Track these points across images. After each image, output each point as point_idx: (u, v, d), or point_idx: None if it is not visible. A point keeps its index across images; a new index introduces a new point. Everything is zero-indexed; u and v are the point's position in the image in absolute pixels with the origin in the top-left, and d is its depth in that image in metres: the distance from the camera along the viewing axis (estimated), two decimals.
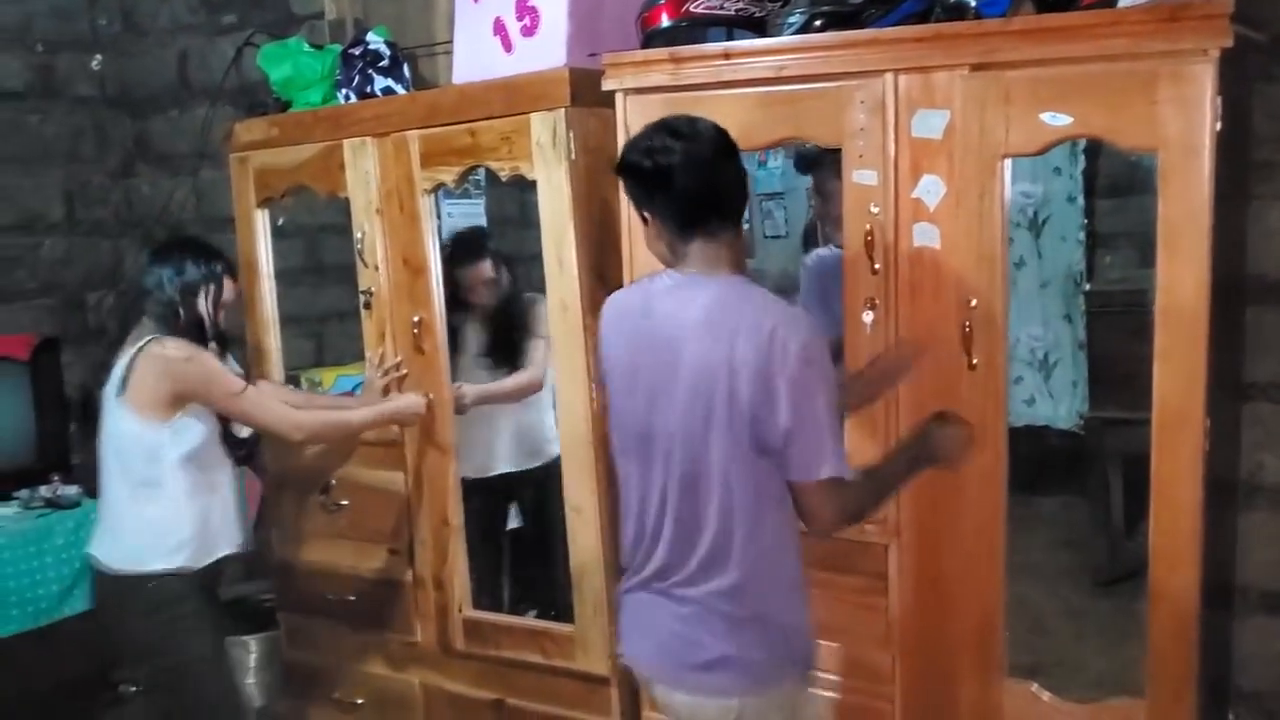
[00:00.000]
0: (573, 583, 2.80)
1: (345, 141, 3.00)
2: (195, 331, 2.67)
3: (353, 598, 3.23)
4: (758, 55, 2.38)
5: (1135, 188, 3.03)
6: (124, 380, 2.60)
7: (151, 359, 2.59)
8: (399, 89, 3.05)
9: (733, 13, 2.51)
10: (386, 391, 3.01)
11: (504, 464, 3.43)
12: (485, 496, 3.42)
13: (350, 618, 3.26)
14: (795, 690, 2.03)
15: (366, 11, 3.41)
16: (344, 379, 3.58)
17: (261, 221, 3.27)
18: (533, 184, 2.69)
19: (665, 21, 2.53)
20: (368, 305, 3.05)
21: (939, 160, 2.22)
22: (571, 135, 2.60)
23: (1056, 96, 2.09)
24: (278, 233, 3.32)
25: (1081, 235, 3.22)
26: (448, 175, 2.86)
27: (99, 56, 4.33)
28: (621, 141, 2.38)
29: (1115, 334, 3.11)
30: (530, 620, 3.06)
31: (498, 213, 4.00)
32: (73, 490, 3.51)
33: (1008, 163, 2.17)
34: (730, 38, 2.49)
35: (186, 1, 4.16)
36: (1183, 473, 2.07)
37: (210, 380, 2.63)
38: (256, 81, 3.46)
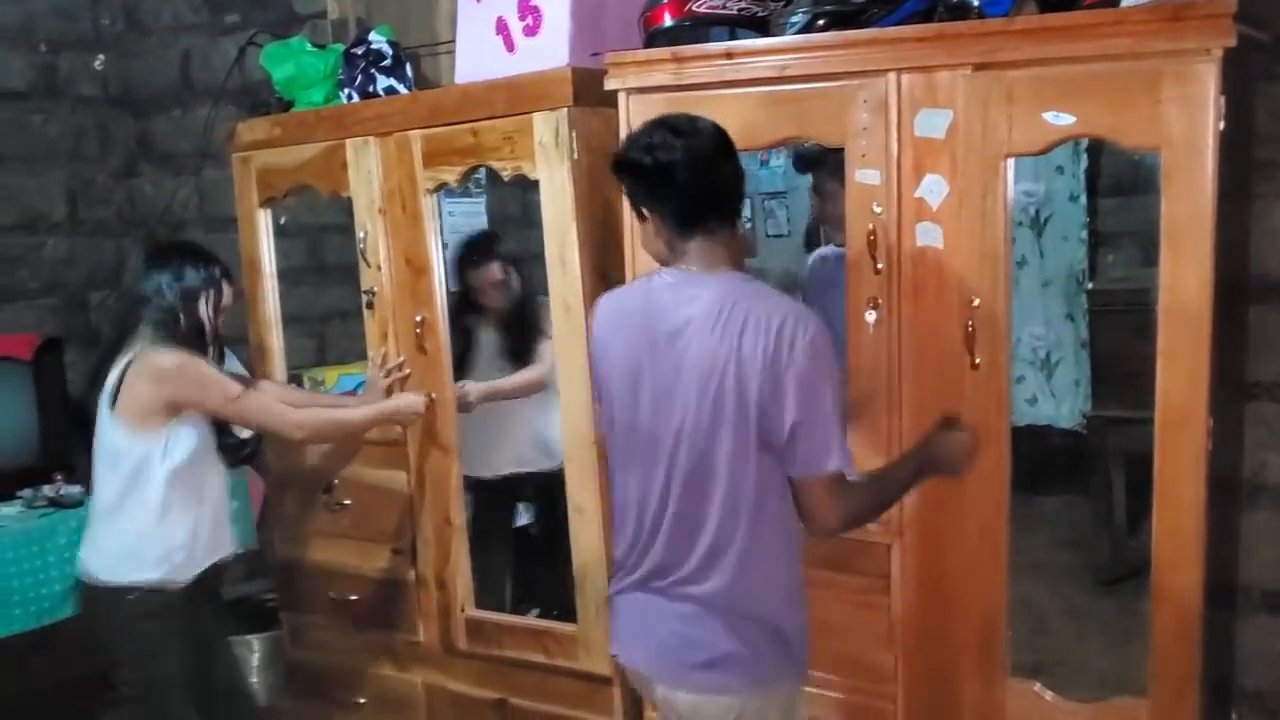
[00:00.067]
0: (575, 583, 2.80)
1: (348, 141, 3.01)
2: (195, 337, 2.66)
3: (355, 597, 3.24)
4: (760, 55, 2.38)
5: (1138, 186, 3.03)
6: (115, 392, 2.59)
7: (144, 370, 2.58)
8: (401, 89, 3.05)
9: (735, 12, 2.51)
10: (389, 391, 3.00)
11: (516, 465, 3.43)
12: (496, 496, 3.43)
13: (353, 617, 3.26)
14: (793, 690, 2.03)
15: (369, 11, 3.41)
16: (346, 378, 3.58)
17: (264, 221, 3.28)
18: (535, 184, 2.69)
19: (668, 21, 2.52)
20: (370, 305, 3.05)
21: (942, 160, 2.22)
22: (574, 135, 2.60)
23: (1059, 96, 2.09)
24: (280, 232, 3.32)
25: (1084, 234, 3.21)
26: (450, 175, 2.87)
27: (102, 56, 4.33)
28: None
29: (1118, 333, 3.11)
30: (533, 620, 3.06)
31: (499, 212, 4.00)
32: (76, 490, 3.50)
33: (1010, 162, 2.17)
34: (733, 37, 2.49)
35: (189, 1, 4.16)
36: (1186, 472, 2.07)
37: (205, 386, 2.62)
38: (259, 81, 3.46)
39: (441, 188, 2.92)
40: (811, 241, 3.24)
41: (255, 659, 3.65)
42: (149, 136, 4.38)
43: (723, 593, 1.93)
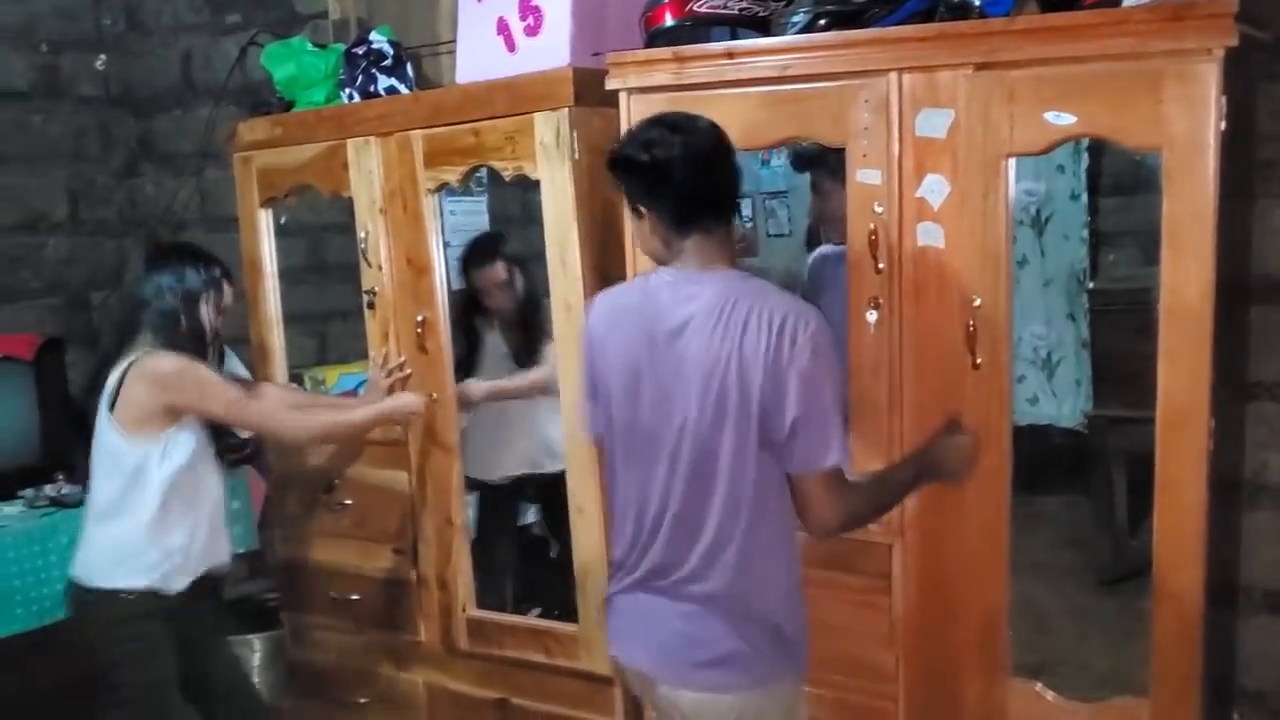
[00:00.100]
0: (576, 583, 2.80)
1: (349, 141, 3.01)
2: (195, 340, 2.65)
3: (356, 597, 3.24)
4: (761, 54, 2.38)
5: (1139, 185, 3.03)
6: (114, 397, 2.59)
7: (143, 374, 2.57)
8: (402, 88, 3.05)
9: (736, 12, 2.51)
10: (391, 391, 3.00)
11: (524, 467, 3.43)
12: (501, 499, 3.44)
13: (354, 617, 3.26)
14: (794, 688, 2.04)
15: (370, 11, 3.41)
16: (347, 377, 3.58)
17: (265, 221, 3.28)
18: (536, 184, 2.69)
19: (669, 21, 2.52)
20: (371, 305, 3.05)
21: (943, 159, 2.21)
22: (575, 135, 2.60)
23: (1061, 96, 2.09)
24: (281, 231, 3.32)
25: (1085, 233, 3.21)
26: (451, 175, 2.87)
27: (103, 56, 4.33)
28: None
29: (1119, 332, 3.11)
30: (534, 620, 3.06)
31: (501, 212, 4.00)
32: (77, 489, 3.49)
33: (1012, 162, 2.17)
34: (734, 37, 2.49)
35: (190, 1, 4.16)
36: (1187, 472, 2.07)
37: (205, 391, 2.60)
38: (260, 81, 3.46)
39: (443, 188, 2.92)
40: (812, 241, 3.24)
41: (256, 659, 3.65)
42: (150, 136, 4.38)
43: (723, 591, 1.93)
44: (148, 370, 2.57)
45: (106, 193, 4.36)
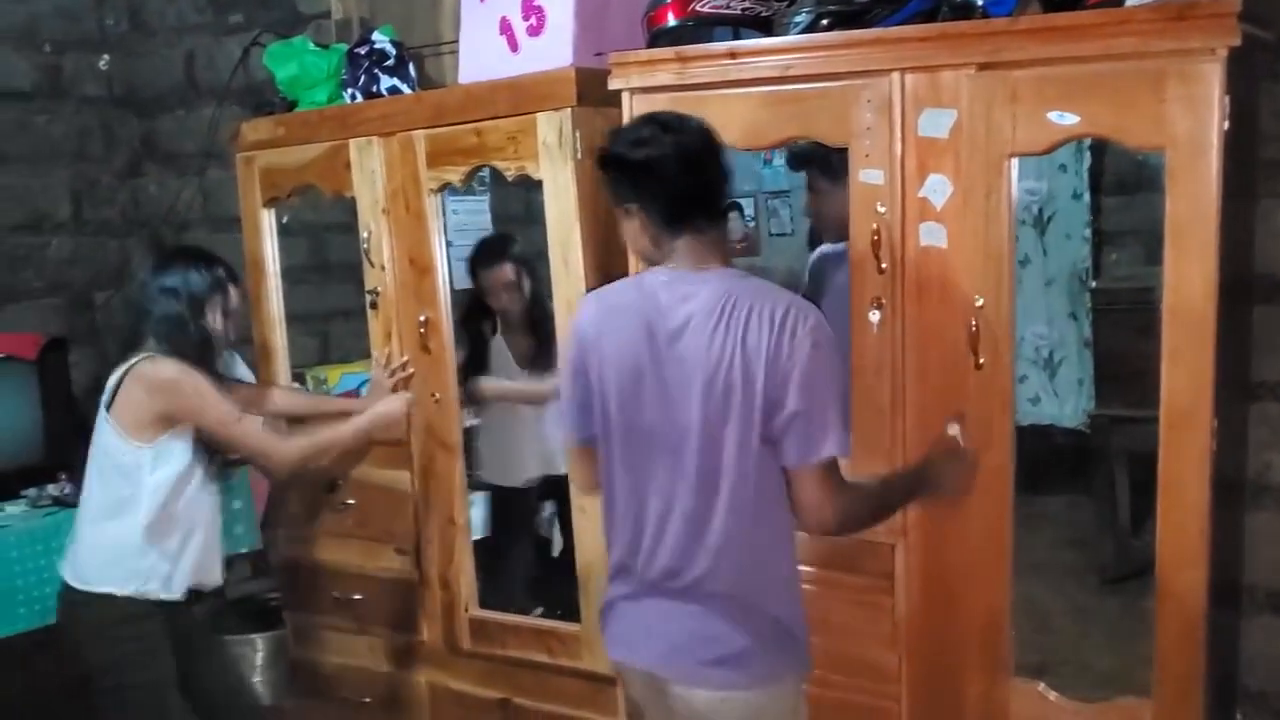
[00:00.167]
0: (579, 582, 2.80)
1: (351, 141, 3.01)
2: (202, 346, 2.64)
3: (359, 597, 3.24)
4: (764, 54, 2.38)
5: (1142, 185, 3.03)
6: (112, 397, 2.59)
7: (140, 379, 2.56)
8: (405, 88, 3.06)
9: (739, 12, 2.51)
10: (394, 391, 3.01)
11: (542, 468, 3.44)
12: (517, 504, 3.45)
13: (356, 617, 3.27)
14: (797, 686, 2.04)
15: (373, 11, 3.42)
16: (349, 377, 3.58)
17: (268, 221, 3.28)
18: (539, 184, 2.70)
19: (671, 21, 2.52)
20: (374, 305, 3.05)
21: (946, 159, 2.21)
22: (577, 135, 2.60)
23: (1063, 95, 2.09)
24: (284, 231, 3.33)
25: (1087, 232, 3.22)
26: (454, 175, 2.87)
27: (106, 56, 4.33)
28: None
29: (1122, 331, 3.11)
30: (536, 619, 3.06)
31: (503, 211, 4.01)
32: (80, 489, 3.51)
33: (1014, 162, 2.17)
34: (736, 37, 2.49)
35: (193, 1, 4.16)
36: (1190, 472, 2.06)
37: (202, 402, 2.57)
38: (263, 81, 3.46)
39: (445, 187, 2.92)
40: (814, 240, 3.24)
41: (259, 658, 3.65)
42: (153, 136, 4.38)
43: (735, 590, 1.94)
44: (146, 375, 2.57)
45: (110, 193, 4.36)
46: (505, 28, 2.78)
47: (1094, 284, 3.22)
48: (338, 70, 3.16)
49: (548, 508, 3.63)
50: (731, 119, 2.42)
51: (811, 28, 2.34)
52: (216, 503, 2.75)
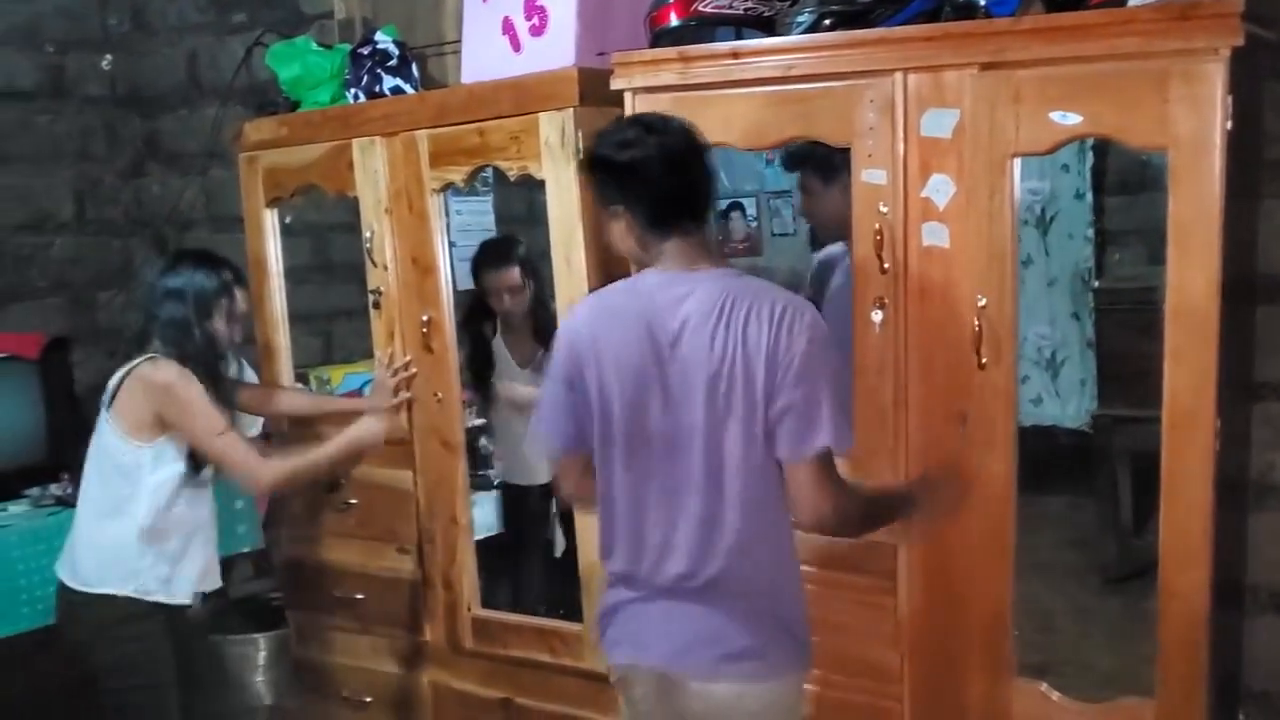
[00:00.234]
0: (581, 582, 2.80)
1: (354, 141, 3.01)
2: (209, 350, 2.65)
3: (361, 596, 3.24)
4: (766, 54, 2.38)
5: (1145, 184, 3.03)
6: (113, 396, 2.60)
7: (139, 379, 2.58)
8: (408, 88, 3.06)
9: (741, 12, 2.51)
10: (397, 390, 3.01)
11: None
12: (534, 503, 3.45)
13: (359, 616, 3.27)
14: (801, 680, 2.07)
15: (375, 11, 3.42)
16: (352, 377, 3.59)
17: (270, 221, 3.28)
18: (541, 183, 2.70)
19: (674, 21, 2.52)
20: (376, 305, 3.05)
21: (948, 159, 2.21)
22: (580, 135, 2.60)
23: (1066, 95, 2.09)
24: (286, 231, 3.33)
25: (1090, 232, 3.21)
26: (456, 175, 2.87)
27: (109, 56, 4.33)
28: None
29: (1125, 331, 3.11)
30: (539, 619, 3.06)
31: (506, 211, 4.01)
32: None
33: (1017, 162, 2.17)
34: (739, 37, 2.49)
35: (196, 1, 4.17)
36: (1193, 472, 2.06)
37: (190, 411, 2.57)
38: (266, 81, 3.46)
39: (448, 187, 2.92)
40: (816, 240, 3.24)
41: (261, 658, 3.65)
42: (156, 136, 4.38)
43: (747, 587, 1.96)
44: (145, 376, 2.58)
45: (112, 192, 4.36)
46: (508, 27, 2.78)
47: (1097, 284, 3.21)
48: (340, 70, 3.16)
49: (551, 507, 3.64)
50: (734, 119, 2.42)
51: (814, 28, 2.34)
52: (214, 505, 2.76)
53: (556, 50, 2.69)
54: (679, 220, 1.96)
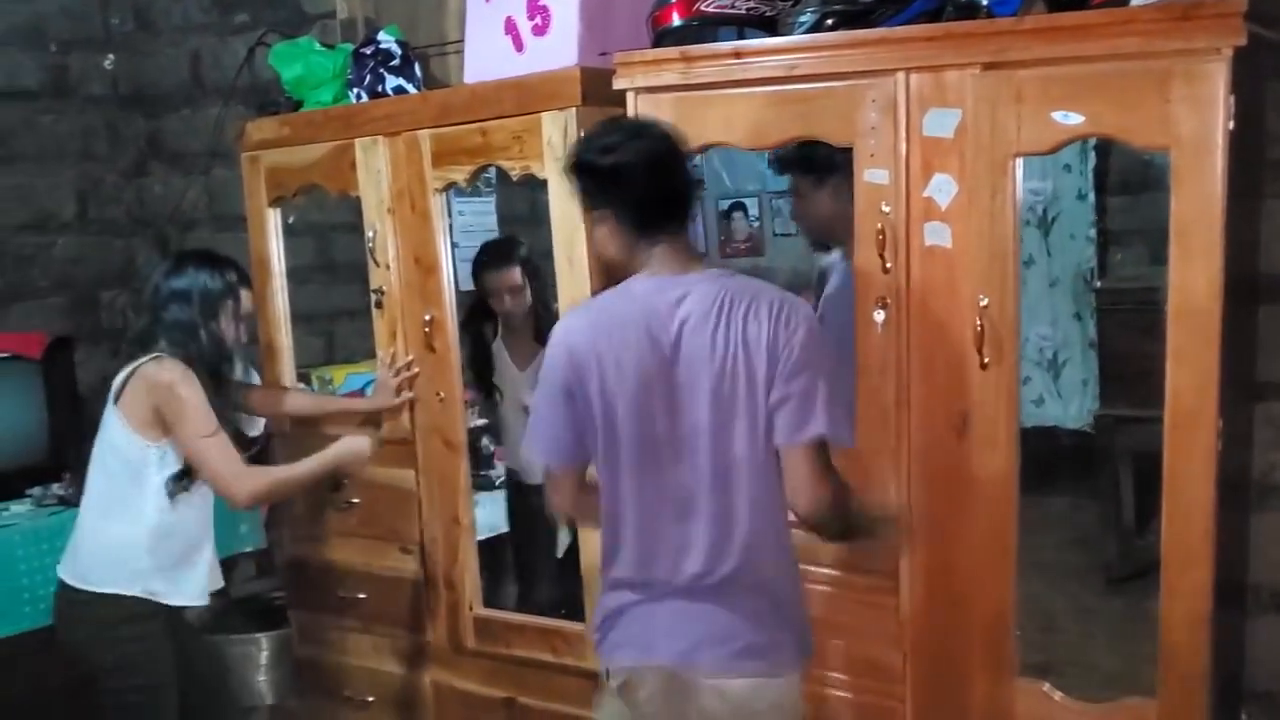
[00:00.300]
0: (584, 582, 2.81)
1: (357, 140, 3.01)
2: (215, 352, 2.65)
3: (363, 596, 3.24)
4: (769, 54, 2.38)
5: (1148, 184, 3.02)
6: (119, 393, 2.60)
7: (144, 377, 2.58)
8: (410, 88, 3.06)
9: (744, 12, 2.51)
10: (399, 390, 3.01)
11: None
12: (535, 499, 3.46)
13: (361, 616, 3.27)
14: (803, 674, 2.09)
15: (378, 11, 3.42)
16: (354, 377, 3.59)
17: (273, 220, 3.28)
18: (544, 183, 2.70)
19: (676, 20, 2.53)
20: (379, 304, 3.05)
21: (950, 159, 2.21)
22: (582, 134, 2.60)
23: (1068, 95, 2.09)
24: (289, 231, 3.33)
25: (1092, 232, 3.21)
26: (459, 174, 2.87)
27: (112, 56, 4.33)
28: None
29: (1127, 331, 3.10)
30: (541, 618, 3.06)
31: (507, 211, 4.01)
32: None
33: (1019, 161, 2.17)
34: (741, 37, 2.49)
35: (199, 1, 4.17)
36: (1195, 473, 2.06)
37: (184, 412, 2.56)
38: (268, 81, 3.46)
39: (450, 187, 2.92)
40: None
41: (264, 658, 3.65)
42: (159, 136, 4.38)
43: (759, 581, 1.98)
44: (149, 375, 2.58)
45: (115, 192, 4.37)
46: (510, 27, 2.78)
47: (1099, 284, 3.21)
48: (343, 70, 3.16)
49: None
50: (736, 119, 2.42)
51: (816, 27, 2.34)
52: (209, 515, 2.76)
53: (559, 50, 2.69)
54: (666, 223, 1.99)
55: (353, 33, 3.37)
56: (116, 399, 2.61)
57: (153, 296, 2.71)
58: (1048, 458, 2.95)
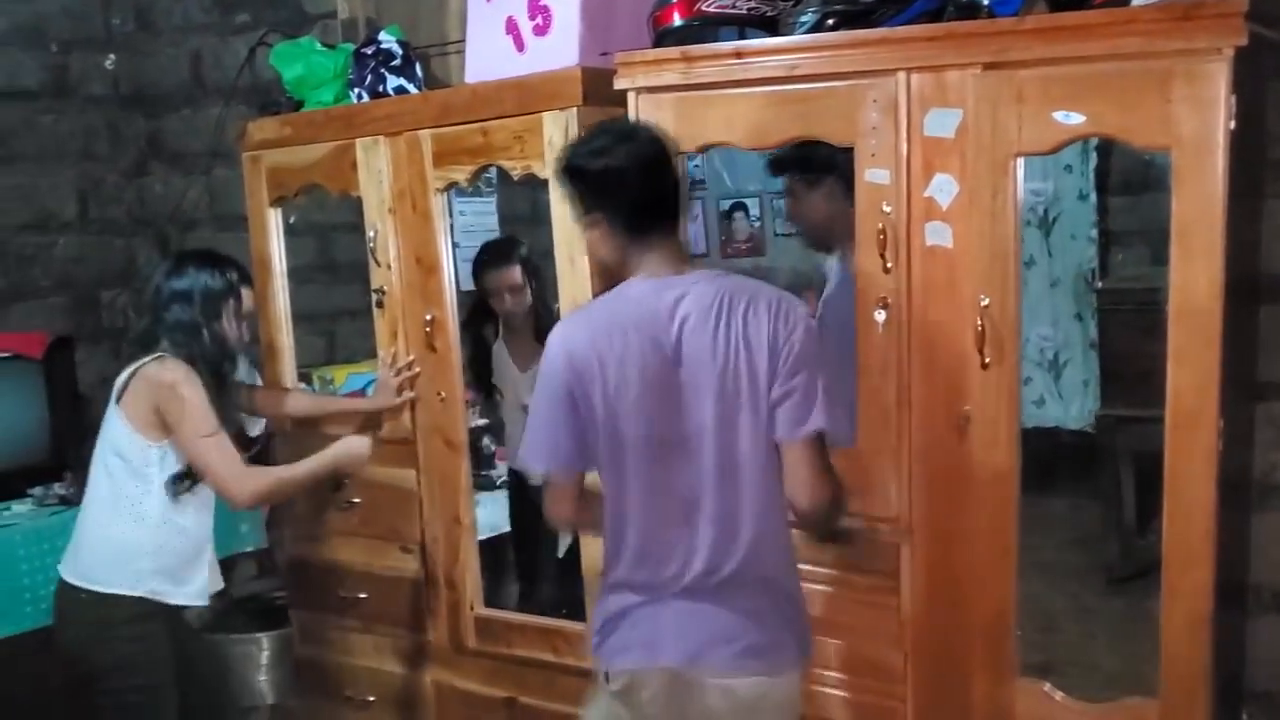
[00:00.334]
0: (584, 582, 2.81)
1: (358, 140, 3.01)
2: (217, 351, 2.65)
3: (364, 595, 3.24)
4: (770, 54, 2.38)
5: (1149, 184, 3.03)
6: (121, 393, 2.60)
7: (146, 378, 2.58)
8: (411, 88, 3.06)
9: (745, 11, 2.51)
10: (400, 390, 3.01)
11: None
12: (536, 497, 3.47)
13: (362, 616, 3.27)
14: (803, 672, 2.11)
15: (379, 11, 3.42)
16: (355, 376, 3.59)
17: (274, 220, 3.28)
18: (545, 183, 2.70)
19: (677, 20, 2.53)
20: (380, 304, 3.06)
21: (951, 159, 2.21)
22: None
23: (1069, 95, 2.09)
24: (290, 231, 3.33)
25: (1093, 233, 3.21)
26: (460, 174, 2.87)
27: (113, 56, 4.34)
28: None
29: (1128, 331, 3.10)
30: (542, 618, 3.06)
31: (509, 211, 4.01)
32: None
33: (1020, 161, 2.17)
34: (742, 36, 2.49)
35: (199, 1, 4.17)
36: (1196, 473, 2.06)
37: (185, 411, 2.56)
38: (269, 81, 3.47)
39: (451, 187, 2.92)
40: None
41: (264, 657, 3.66)
42: (159, 136, 4.39)
43: (763, 579, 2.00)
44: (151, 375, 2.59)
45: (116, 192, 4.37)
46: (511, 27, 2.78)
47: (1100, 284, 3.21)
48: (344, 70, 3.16)
49: None
50: (737, 119, 2.42)
51: (817, 27, 2.34)
52: (209, 519, 2.76)
53: (560, 50, 2.69)
54: (657, 225, 2.00)
55: (354, 33, 3.37)
56: (118, 399, 2.61)
57: (154, 297, 2.71)
58: (1048, 458, 2.95)
